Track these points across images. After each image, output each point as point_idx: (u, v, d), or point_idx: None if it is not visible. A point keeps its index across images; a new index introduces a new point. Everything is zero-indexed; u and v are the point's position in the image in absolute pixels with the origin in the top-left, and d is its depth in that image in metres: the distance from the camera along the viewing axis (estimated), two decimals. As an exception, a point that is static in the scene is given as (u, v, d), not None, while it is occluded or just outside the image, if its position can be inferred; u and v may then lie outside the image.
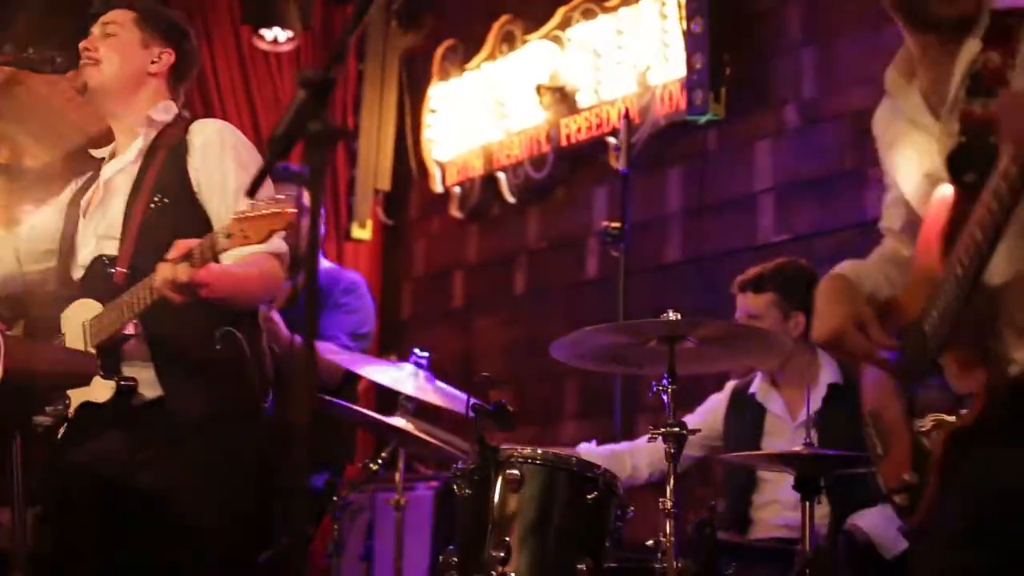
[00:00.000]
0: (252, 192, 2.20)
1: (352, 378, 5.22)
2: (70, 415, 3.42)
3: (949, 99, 2.28)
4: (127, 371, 3.39)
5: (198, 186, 3.51)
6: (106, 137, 3.80)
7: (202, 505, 3.40)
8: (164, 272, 3.12)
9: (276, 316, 4.72)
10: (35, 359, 3.04)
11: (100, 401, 3.38)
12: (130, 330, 3.35)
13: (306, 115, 2.10)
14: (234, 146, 3.55)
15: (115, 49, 3.66)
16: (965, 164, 2.23)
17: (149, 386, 3.41)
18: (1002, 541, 2.20)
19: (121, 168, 3.62)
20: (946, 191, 2.26)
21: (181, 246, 3.12)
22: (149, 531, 3.39)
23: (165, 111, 3.68)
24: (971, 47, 2.28)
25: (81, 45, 3.67)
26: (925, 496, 2.27)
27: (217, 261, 3.14)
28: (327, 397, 4.77)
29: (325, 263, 5.34)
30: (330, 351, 4.98)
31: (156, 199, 3.49)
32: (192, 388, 3.42)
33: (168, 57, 3.72)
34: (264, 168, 2.18)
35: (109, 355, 3.37)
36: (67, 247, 3.65)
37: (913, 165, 2.39)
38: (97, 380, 3.34)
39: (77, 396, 3.41)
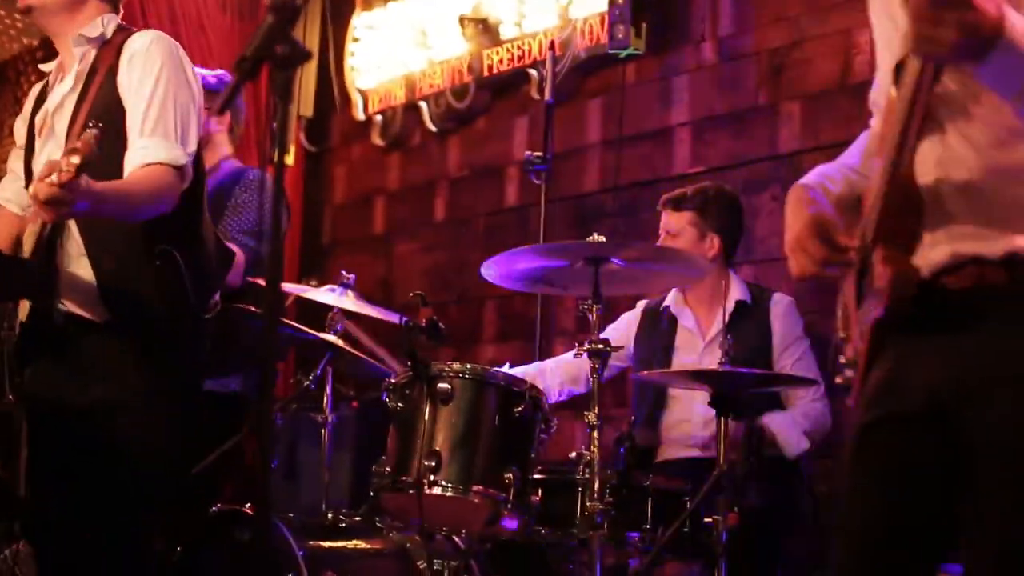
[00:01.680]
0: (222, 110, 2.33)
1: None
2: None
3: None
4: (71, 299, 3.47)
5: (125, 103, 3.53)
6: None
7: (140, 423, 3.48)
8: (31, 190, 3.16)
9: None
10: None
11: (23, 319, 3.47)
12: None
13: (274, 38, 2.25)
14: (160, 59, 3.52)
15: None
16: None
17: (86, 306, 3.48)
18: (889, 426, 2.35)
19: (64, 94, 3.63)
20: (891, 94, 2.29)
21: (48, 164, 3.12)
22: (86, 451, 3.46)
23: (100, 26, 3.65)
24: None
25: None
26: (854, 381, 2.41)
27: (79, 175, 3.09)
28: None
29: (234, 163, 5.28)
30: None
31: (90, 125, 3.40)
32: (132, 309, 3.48)
33: None
34: (233, 87, 2.30)
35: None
36: (29, 166, 3.71)
37: (888, 54, 2.39)
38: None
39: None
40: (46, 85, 3.81)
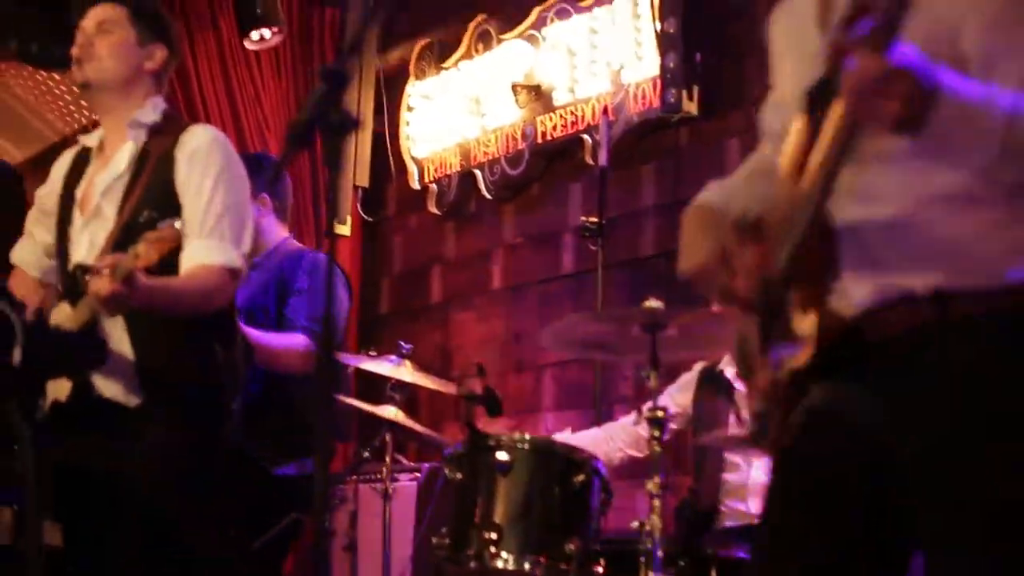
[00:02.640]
0: (273, 183, 2.32)
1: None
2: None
3: (837, 18, 2.04)
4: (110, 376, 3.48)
5: (181, 198, 3.57)
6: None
7: (177, 506, 3.50)
8: (90, 285, 3.20)
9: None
10: (53, 344, 3.12)
11: (62, 400, 3.46)
12: None
13: (325, 106, 2.24)
14: (220, 160, 3.60)
15: (113, 47, 3.71)
16: (820, 99, 2.11)
17: (116, 387, 3.49)
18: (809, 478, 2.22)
19: (116, 177, 3.65)
20: (798, 121, 2.17)
21: (108, 259, 3.19)
22: (125, 534, 3.48)
23: (152, 111, 3.72)
24: None
25: (78, 41, 3.72)
26: (771, 431, 2.25)
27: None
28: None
29: (290, 246, 5.29)
30: (302, 340, 5.01)
31: (146, 214, 3.52)
32: (171, 398, 3.51)
33: (161, 54, 3.78)
34: (283, 156, 2.30)
35: None
36: (63, 241, 3.72)
37: (795, 77, 2.27)
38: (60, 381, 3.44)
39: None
40: (80, 158, 3.82)
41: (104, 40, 3.72)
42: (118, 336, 3.49)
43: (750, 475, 4.67)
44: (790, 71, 2.35)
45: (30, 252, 3.83)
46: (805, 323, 2.13)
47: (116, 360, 3.46)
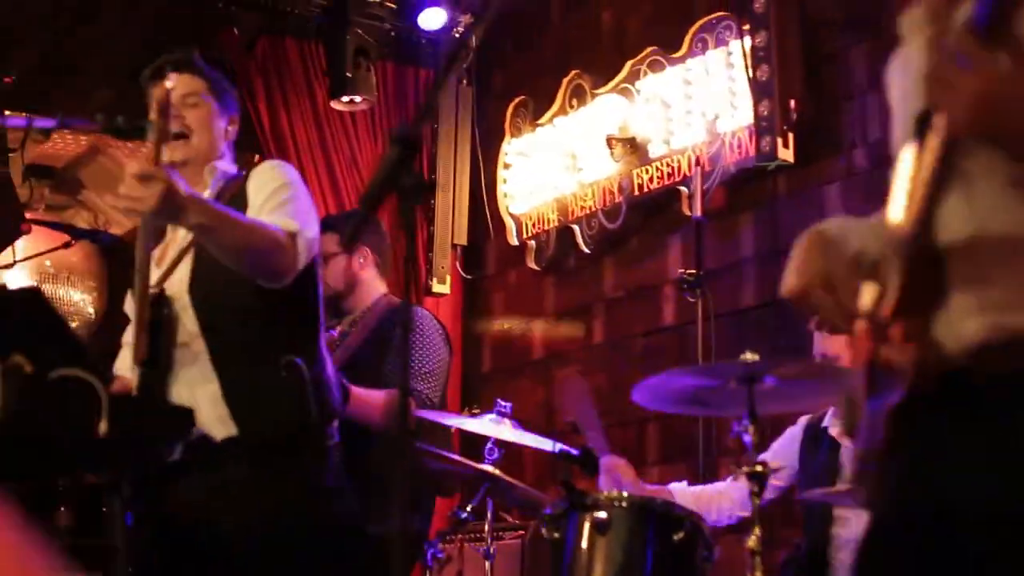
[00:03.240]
0: (351, 241, 2.31)
1: (438, 428, 5.23)
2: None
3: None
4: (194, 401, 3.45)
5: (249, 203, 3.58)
6: None
7: (280, 545, 3.45)
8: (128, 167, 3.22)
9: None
10: (139, 416, 3.12)
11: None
12: None
13: (398, 170, 2.23)
14: (283, 177, 3.61)
15: (201, 121, 3.73)
16: (924, 127, 1.98)
17: (219, 424, 3.47)
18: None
19: None
20: (908, 151, 2.03)
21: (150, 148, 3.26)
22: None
23: (230, 164, 3.79)
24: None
25: (173, 114, 3.75)
26: (867, 479, 2.15)
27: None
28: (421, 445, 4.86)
29: (389, 301, 5.29)
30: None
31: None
32: (260, 418, 3.47)
33: (236, 121, 3.85)
34: (360, 219, 2.29)
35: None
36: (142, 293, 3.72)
37: (902, 111, 2.15)
38: None
39: None
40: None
41: (191, 114, 3.74)
42: (200, 375, 3.49)
43: (861, 528, 4.56)
44: (900, 104, 2.22)
45: (128, 359, 3.85)
46: (904, 356, 1.97)
47: (194, 379, 3.47)
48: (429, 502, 5.40)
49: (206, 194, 3.68)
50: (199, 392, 3.47)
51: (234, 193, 3.64)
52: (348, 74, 7.01)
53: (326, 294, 5.02)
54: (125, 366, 3.79)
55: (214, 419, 3.46)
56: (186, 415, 3.23)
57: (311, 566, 3.49)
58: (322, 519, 3.57)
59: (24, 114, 3.53)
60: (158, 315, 3.49)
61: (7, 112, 5.20)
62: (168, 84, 3.32)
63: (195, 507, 3.47)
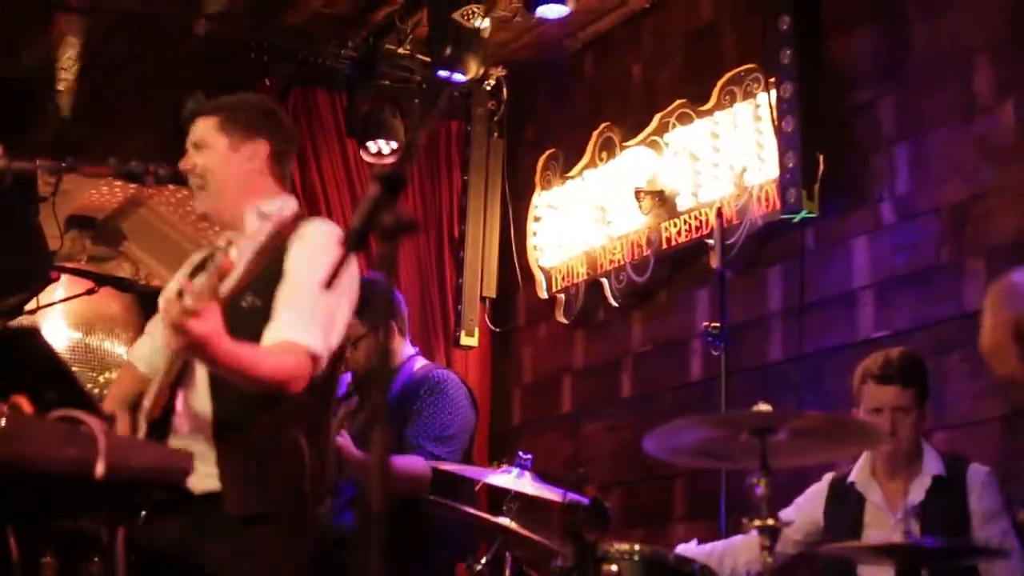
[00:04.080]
0: (328, 284, 2.28)
1: (462, 484, 5.19)
2: None
3: None
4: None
5: (284, 276, 3.52)
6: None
7: None
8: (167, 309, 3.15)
9: (344, 439, 4.72)
10: (135, 456, 3.10)
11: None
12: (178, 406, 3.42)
13: (379, 209, 2.20)
14: (331, 249, 3.48)
15: (209, 163, 3.69)
16: None
17: (206, 479, 3.43)
18: None
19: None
20: None
21: (184, 285, 3.15)
22: None
23: (278, 204, 3.69)
24: None
25: (180, 167, 3.72)
26: None
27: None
28: (434, 498, 4.83)
29: (413, 365, 5.27)
30: (418, 463, 4.98)
31: (248, 299, 3.50)
32: (247, 488, 3.45)
33: (262, 148, 3.73)
34: (340, 260, 2.25)
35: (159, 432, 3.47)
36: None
37: None
38: None
39: None
40: (207, 257, 3.80)
41: (200, 159, 3.72)
42: (202, 416, 3.46)
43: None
44: None
45: (147, 347, 3.83)
46: None
47: (192, 444, 3.42)
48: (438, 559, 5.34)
49: (245, 241, 3.58)
50: (195, 448, 3.42)
51: (276, 244, 3.57)
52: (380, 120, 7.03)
53: (360, 373, 5.00)
54: (138, 354, 3.79)
55: (203, 475, 3.42)
56: (185, 458, 3.21)
57: None
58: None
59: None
60: (182, 374, 3.48)
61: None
62: (232, 254, 3.19)
63: (168, 552, 3.45)
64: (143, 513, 3.38)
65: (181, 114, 3.74)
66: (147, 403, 3.48)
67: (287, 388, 3.38)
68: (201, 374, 3.49)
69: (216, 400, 3.45)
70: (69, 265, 6.26)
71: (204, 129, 3.75)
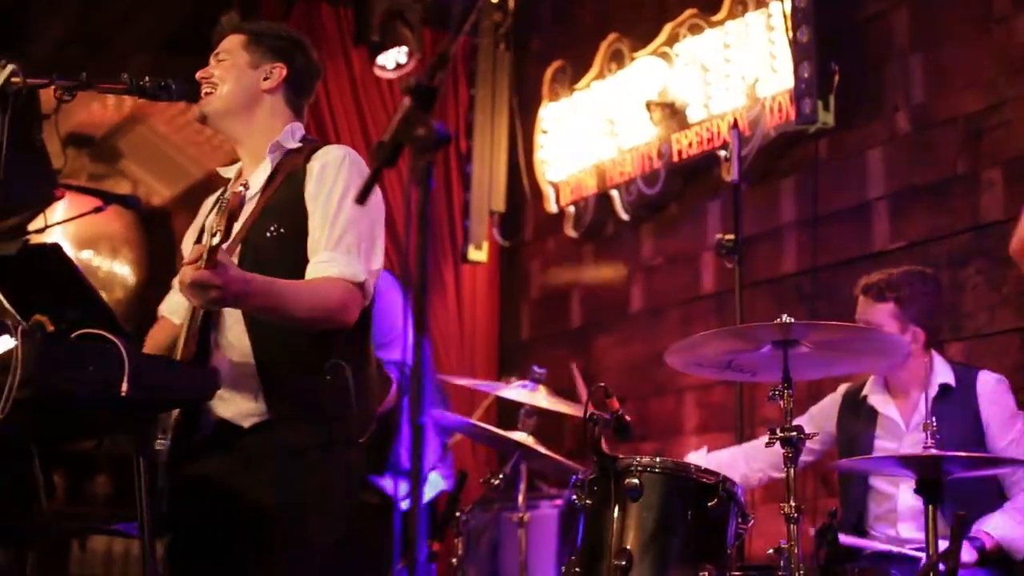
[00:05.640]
0: (361, 199, 2.25)
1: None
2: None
3: None
4: (232, 396, 3.41)
5: (310, 211, 3.47)
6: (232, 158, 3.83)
7: (304, 530, 3.39)
8: (179, 275, 3.11)
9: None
10: (160, 375, 3.08)
11: (182, 422, 3.38)
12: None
13: (412, 122, 2.16)
14: (350, 176, 3.47)
15: (226, 72, 3.65)
16: None
17: (251, 415, 3.41)
18: None
19: (250, 199, 3.53)
20: None
21: (194, 249, 3.11)
22: (253, 555, 3.39)
23: (292, 135, 3.64)
24: None
25: (197, 75, 3.66)
26: None
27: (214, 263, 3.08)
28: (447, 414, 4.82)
29: None
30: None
31: (272, 228, 3.46)
32: (297, 417, 3.42)
33: (280, 71, 3.68)
34: (373, 173, 2.22)
35: None
36: None
37: None
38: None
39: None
40: (223, 192, 3.79)
41: (218, 68, 3.68)
42: (238, 348, 3.45)
43: (898, 499, 4.50)
44: None
45: (174, 300, 3.80)
46: None
47: (234, 376, 3.40)
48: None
49: (262, 170, 3.59)
50: (241, 387, 3.41)
51: (290, 171, 3.54)
52: (375, 38, 6.95)
53: None
54: (169, 308, 3.76)
55: (248, 410, 3.41)
56: (211, 375, 3.19)
57: (325, 546, 3.44)
58: (341, 506, 3.51)
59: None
60: (208, 316, 3.45)
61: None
62: (241, 188, 3.18)
63: (221, 482, 3.42)
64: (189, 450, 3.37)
65: (214, 30, 3.69)
66: (178, 354, 3.44)
67: (339, 322, 3.36)
68: (232, 314, 3.45)
69: (253, 336, 3.42)
70: (73, 183, 6.21)
71: (230, 43, 3.73)
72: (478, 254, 7.61)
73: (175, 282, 3.76)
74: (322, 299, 3.35)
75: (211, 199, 3.85)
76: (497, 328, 7.76)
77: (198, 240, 3.65)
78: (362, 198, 2.24)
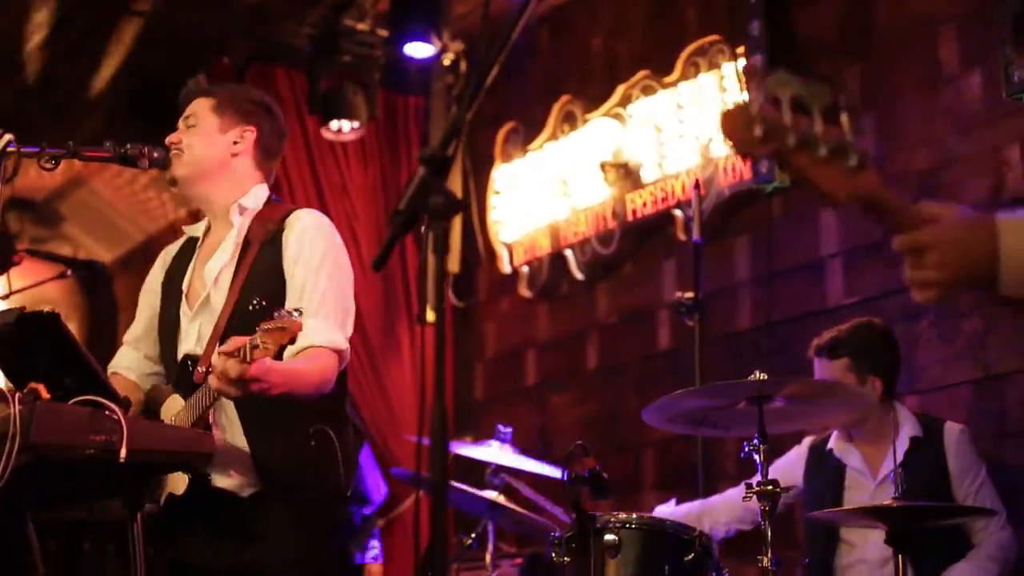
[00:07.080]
0: (378, 266, 2.30)
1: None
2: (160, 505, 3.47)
3: None
4: (229, 469, 3.45)
5: (288, 278, 3.53)
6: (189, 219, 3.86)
7: None
8: (218, 365, 3.12)
9: None
10: (157, 439, 3.11)
11: (178, 493, 3.43)
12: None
13: (427, 190, 2.22)
14: (326, 243, 3.57)
15: (196, 137, 3.70)
16: None
17: (246, 485, 3.46)
18: None
19: (224, 265, 3.62)
20: None
21: (233, 342, 3.13)
22: None
23: (255, 197, 3.70)
24: None
25: (167, 140, 3.71)
26: None
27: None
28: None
29: None
30: None
31: (255, 302, 3.50)
32: (292, 486, 3.47)
33: (250, 135, 3.73)
34: (390, 240, 2.28)
35: None
36: (170, 332, 3.69)
37: None
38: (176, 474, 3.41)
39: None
40: (184, 249, 3.82)
41: (188, 134, 3.73)
42: (232, 426, 3.47)
43: (867, 549, 4.57)
44: None
45: (130, 358, 3.82)
46: None
47: (230, 451, 3.43)
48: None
49: (232, 235, 3.64)
50: (235, 462, 3.45)
51: (266, 240, 3.59)
52: (346, 102, 7.01)
53: None
54: (125, 364, 3.78)
55: (246, 484, 3.46)
56: (205, 439, 3.22)
57: None
58: (336, 559, 3.60)
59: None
60: (189, 377, 3.48)
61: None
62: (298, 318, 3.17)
63: (220, 546, 3.46)
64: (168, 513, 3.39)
65: (181, 93, 3.74)
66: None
67: (325, 391, 3.41)
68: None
69: (243, 413, 3.46)
70: (36, 249, 6.22)
71: (198, 107, 3.78)
72: (432, 315, 7.61)
73: (127, 338, 3.79)
74: (320, 373, 3.42)
75: (173, 247, 3.88)
76: (451, 388, 7.79)
77: (169, 285, 3.69)
78: (379, 264, 2.30)
